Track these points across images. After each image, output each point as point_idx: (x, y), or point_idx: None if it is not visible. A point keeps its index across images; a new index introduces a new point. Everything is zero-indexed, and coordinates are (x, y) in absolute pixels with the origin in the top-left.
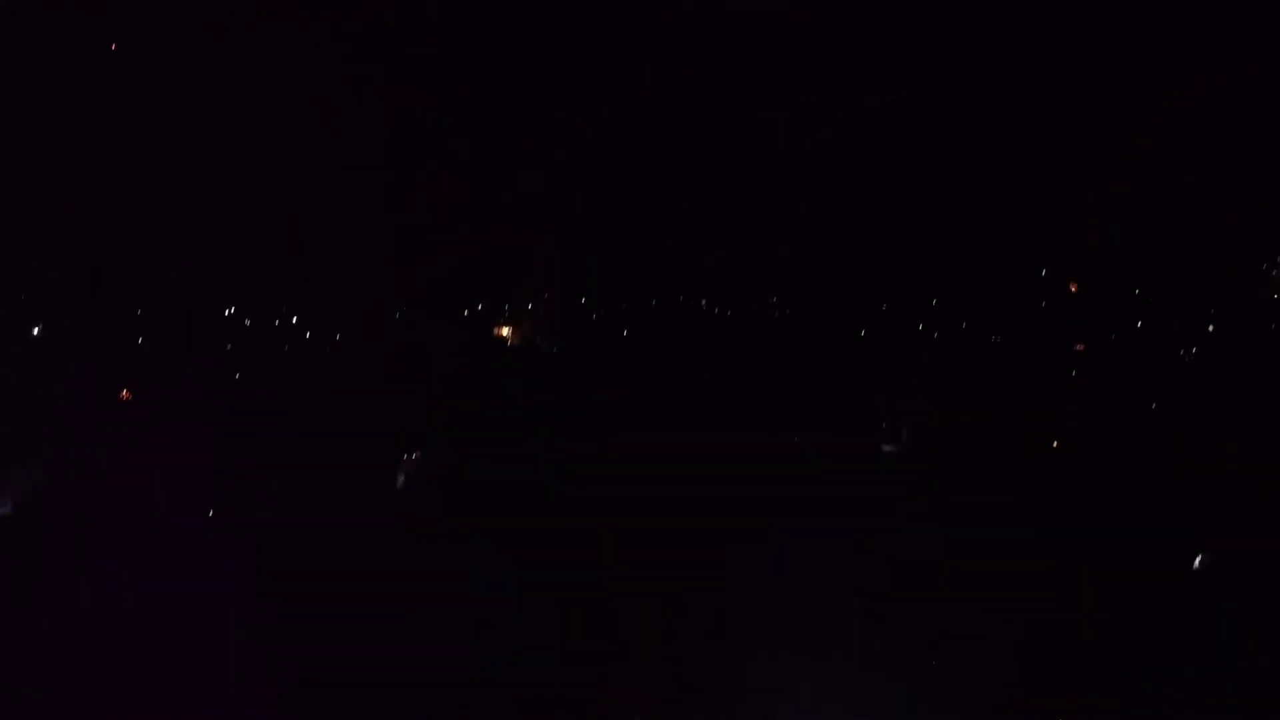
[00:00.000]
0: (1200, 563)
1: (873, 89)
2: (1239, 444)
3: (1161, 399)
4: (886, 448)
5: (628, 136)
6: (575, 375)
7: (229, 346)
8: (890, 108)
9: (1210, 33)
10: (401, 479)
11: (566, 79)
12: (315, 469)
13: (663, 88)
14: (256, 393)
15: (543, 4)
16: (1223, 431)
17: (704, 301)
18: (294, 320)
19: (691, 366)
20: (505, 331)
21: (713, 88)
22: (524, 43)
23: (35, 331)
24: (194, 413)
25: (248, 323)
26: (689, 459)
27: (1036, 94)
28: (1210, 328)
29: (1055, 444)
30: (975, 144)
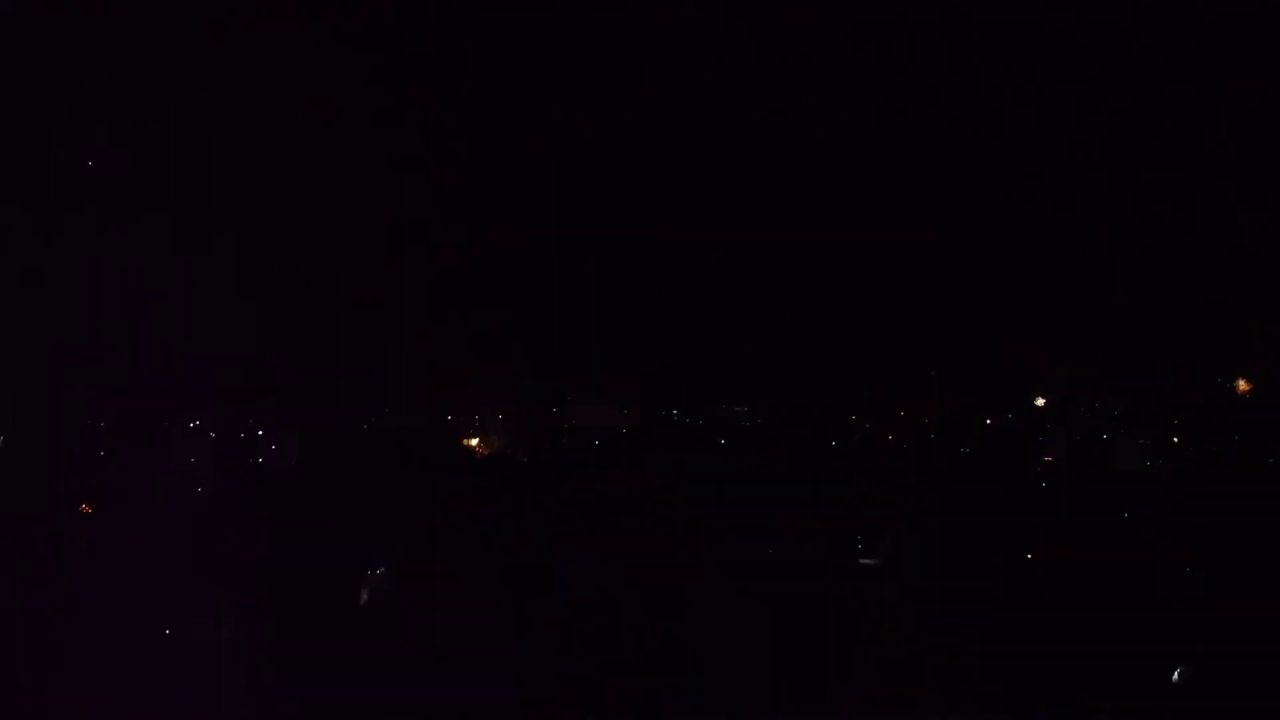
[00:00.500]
0: (1180, 675)
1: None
2: (1212, 547)
3: (1131, 509)
4: (865, 560)
5: (600, 248)
6: (545, 485)
7: (192, 459)
8: (859, 216)
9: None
10: (365, 596)
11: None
12: (279, 582)
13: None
14: (219, 505)
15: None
16: (1195, 538)
17: (675, 412)
18: (260, 433)
19: (665, 476)
20: (474, 443)
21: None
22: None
23: None
24: (156, 526)
25: (212, 435)
26: (660, 571)
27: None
28: (1175, 439)
29: (1029, 555)
30: (938, 256)
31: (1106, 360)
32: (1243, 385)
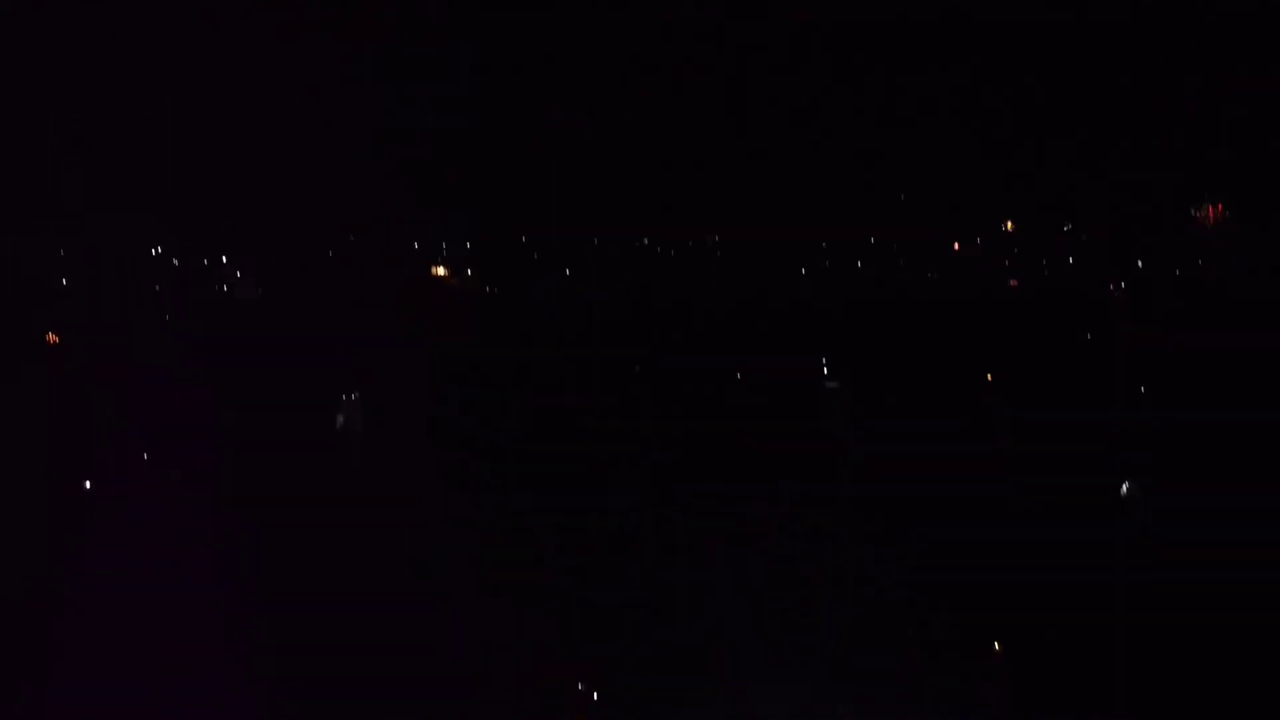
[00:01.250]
0: (1128, 490)
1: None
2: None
3: (1094, 332)
4: (830, 384)
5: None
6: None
7: (156, 287)
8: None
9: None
10: (341, 420)
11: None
12: (252, 414)
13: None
14: (186, 336)
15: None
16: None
17: (646, 241)
18: (224, 260)
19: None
20: (442, 272)
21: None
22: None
23: None
24: (123, 357)
25: (175, 262)
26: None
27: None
28: (1139, 263)
29: (989, 375)
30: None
31: (1070, 185)
32: (1213, 212)
